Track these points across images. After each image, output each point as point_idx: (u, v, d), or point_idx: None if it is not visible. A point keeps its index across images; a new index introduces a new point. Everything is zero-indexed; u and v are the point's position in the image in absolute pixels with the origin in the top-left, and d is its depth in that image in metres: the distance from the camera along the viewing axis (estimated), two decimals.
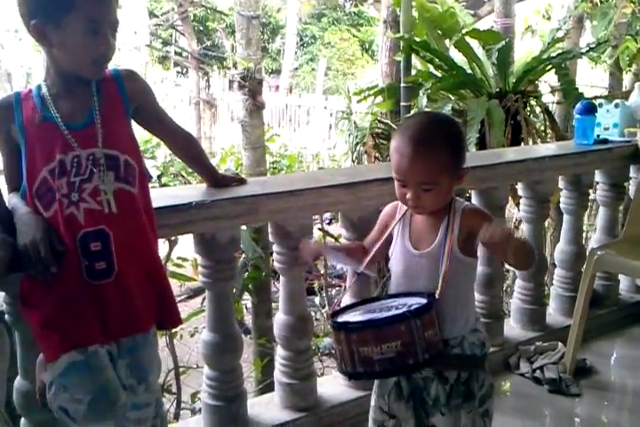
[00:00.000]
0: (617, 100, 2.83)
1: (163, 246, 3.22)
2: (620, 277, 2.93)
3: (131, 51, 11.37)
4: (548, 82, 4.86)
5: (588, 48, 4.40)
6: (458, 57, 4.36)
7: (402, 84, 4.33)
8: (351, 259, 1.48)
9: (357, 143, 4.36)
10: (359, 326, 1.29)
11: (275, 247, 1.98)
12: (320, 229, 4.19)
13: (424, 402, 1.43)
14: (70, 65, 1.39)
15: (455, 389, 1.40)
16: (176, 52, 13.07)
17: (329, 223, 5.63)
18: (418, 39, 4.22)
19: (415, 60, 4.58)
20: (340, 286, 4.91)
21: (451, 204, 1.40)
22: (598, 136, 2.70)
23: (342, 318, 1.35)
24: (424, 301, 1.32)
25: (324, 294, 4.48)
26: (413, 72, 4.41)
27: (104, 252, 1.37)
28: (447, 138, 1.37)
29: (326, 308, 4.42)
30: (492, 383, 1.48)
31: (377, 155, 4.29)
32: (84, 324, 1.39)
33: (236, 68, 3.87)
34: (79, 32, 1.35)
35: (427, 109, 3.93)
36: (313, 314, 4.56)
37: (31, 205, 1.40)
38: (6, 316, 1.55)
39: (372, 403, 1.49)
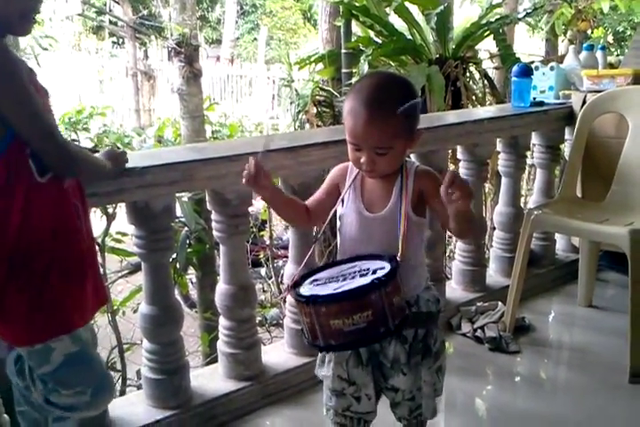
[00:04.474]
0: (552, 64, 2.87)
1: (100, 221, 3.12)
2: (557, 237, 3.02)
3: (63, 21, 10.86)
4: (488, 50, 4.89)
5: (524, 13, 4.45)
6: (398, 23, 4.32)
7: (342, 51, 4.27)
8: (288, 208, 1.47)
9: (299, 111, 4.30)
10: (327, 298, 1.22)
11: (213, 216, 1.93)
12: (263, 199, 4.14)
13: (381, 365, 1.42)
14: None
15: (414, 346, 1.40)
16: (111, 22, 12.53)
17: None
18: (357, 4, 4.15)
19: (356, 27, 4.53)
20: (287, 256, 4.89)
21: (402, 165, 1.39)
22: (534, 99, 2.74)
23: (306, 290, 1.29)
24: (386, 264, 1.28)
25: (271, 266, 4.45)
26: (354, 38, 4.36)
27: None
28: (402, 100, 1.31)
29: (272, 279, 4.40)
30: (444, 340, 1.50)
31: (319, 123, 4.24)
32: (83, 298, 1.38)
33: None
34: None
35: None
36: (260, 286, 4.56)
37: None
38: None
39: (328, 373, 1.45)
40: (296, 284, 1.33)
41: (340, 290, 1.24)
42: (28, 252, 1.28)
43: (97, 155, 1.48)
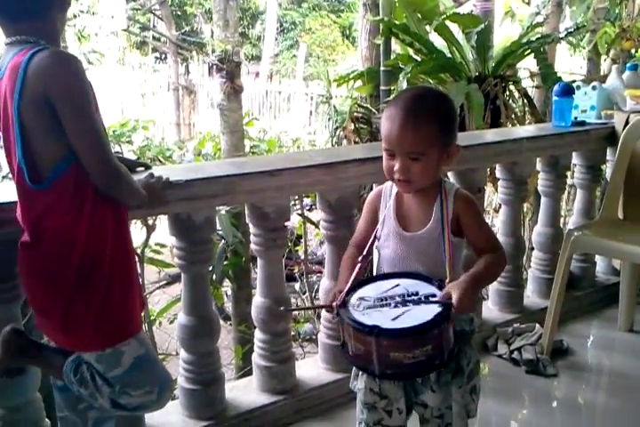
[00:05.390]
0: (594, 83, 2.84)
1: (140, 232, 3.19)
2: (597, 258, 2.96)
3: (108, 36, 11.16)
4: (528, 68, 4.85)
5: (566, 32, 4.41)
6: (437, 41, 4.33)
7: (381, 68, 4.29)
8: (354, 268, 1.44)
9: (337, 128, 4.33)
10: (391, 333, 1.22)
11: (251, 229, 1.96)
12: (300, 215, 4.16)
13: (413, 381, 1.43)
14: None
15: None
16: (154, 38, 12.84)
17: (309, 209, 5.60)
18: (397, 22, 4.17)
19: (395, 45, 4.55)
20: (321, 271, 4.90)
21: (440, 184, 1.40)
22: (576, 118, 2.70)
23: (359, 315, 1.26)
24: (435, 291, 1.28)
25: (305, 280, 4.46)
26: (393, 56, 4.38)
27: None
28: (438, 110, 1.36)
29: (307, 294, 4.40)
30: (479, 360, 1.49)
31: (356, 139, 4.25)
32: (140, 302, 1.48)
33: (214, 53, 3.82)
34: None
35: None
36: (294, 300, 4.57)
37: None
38: None
39: (361, 385, 1.46)
40: (344, 302, 1.31)
41: (402, 325, 1.22)
42: (95, 258, 1.33)
43: (137, 179, 1.47)
